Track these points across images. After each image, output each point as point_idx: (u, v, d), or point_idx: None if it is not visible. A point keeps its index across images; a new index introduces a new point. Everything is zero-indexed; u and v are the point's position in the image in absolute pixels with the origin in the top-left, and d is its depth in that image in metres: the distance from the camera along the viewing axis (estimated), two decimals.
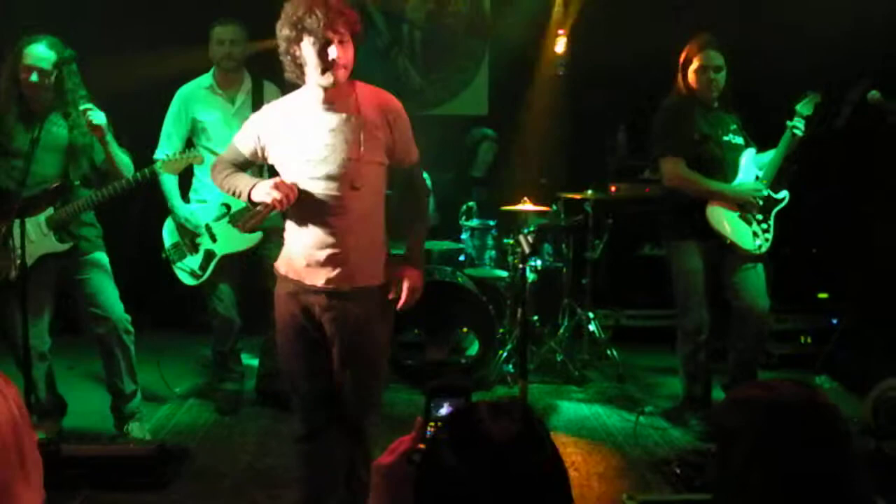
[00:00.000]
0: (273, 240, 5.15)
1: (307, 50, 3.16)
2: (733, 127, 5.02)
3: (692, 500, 3.58)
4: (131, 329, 4.74)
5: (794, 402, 1.66)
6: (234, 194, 3.39)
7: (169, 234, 5.20)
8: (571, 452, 4.74)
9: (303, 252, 3.35)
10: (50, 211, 4.51)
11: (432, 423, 1.64)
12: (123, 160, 4.57)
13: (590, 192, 6.23)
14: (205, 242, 5.10)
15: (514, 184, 6.59)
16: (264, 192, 3.24)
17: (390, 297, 3.38)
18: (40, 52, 4.41)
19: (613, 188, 6.84)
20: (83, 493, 3.99)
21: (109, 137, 4.46)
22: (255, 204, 3.31)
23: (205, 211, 5.15)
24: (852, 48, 5.87)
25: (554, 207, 6.33)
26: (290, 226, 3.42)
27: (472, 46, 7.55)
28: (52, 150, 4.49)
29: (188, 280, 5.16)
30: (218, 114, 5.22)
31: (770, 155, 4.96)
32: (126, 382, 4.76)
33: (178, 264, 5.15)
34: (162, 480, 4.17)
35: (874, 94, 4.94)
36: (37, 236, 4.47)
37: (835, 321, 6.31)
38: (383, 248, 3.43)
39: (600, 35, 7.00)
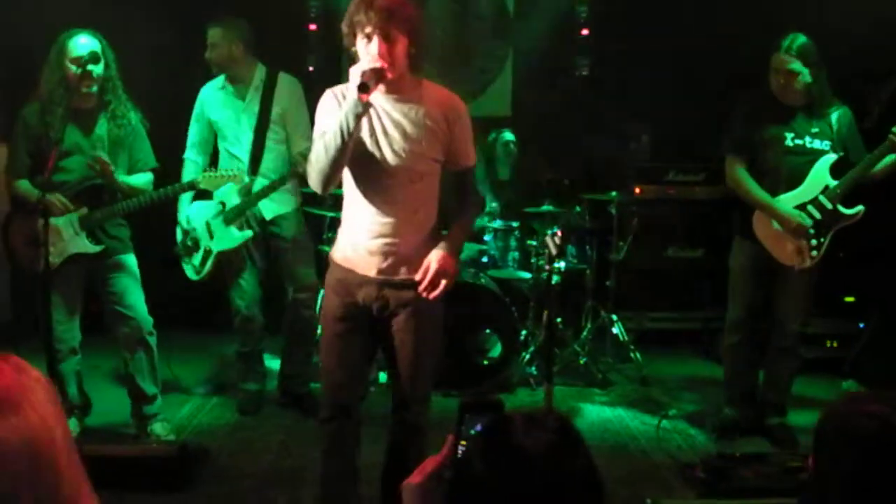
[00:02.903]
0: (288, 220, 5.23)
1: (360, 45, 3.22)
2: (814, 130, 4.68)
3: None
4: (154, 331, 4.76)
5: None
6: (343, 129, 3.17)
7: (180, 230, 5.21)
8: (594, 456, 4.68)
9: (357, 241, 3.40)
10: (84, 211, 4.53)
11: (464, 442, 1.59)
12: (140, 185, 4.66)
13: (614, 193, 6.20)
14: (204, 240, 5.09)
15: (538, 185, 6.55)
16: (353, 89, 3.13)
17: (416, 278, 3.34)
18: (86, 43, 4.44)
19: (638, 189, 6.79)
20: (105, 493, 3.99)
21: (121, 177, 4.56)
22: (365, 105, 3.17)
23: (207, 208, 5.13)
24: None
25: (578, 209, 6.29)
26: (346, 214, 3.48)
27: (495, 47, 7.52)
28: (99, 147, 4.55)
29: (192, 275, 5.16)
30: (229, 112, 5.20)
31: (862, 161, 4.64)
32: (147, 384, 4.77)
33: (186, 259, 5.16)
34: (183, 481, 4.18)
35: None
36: (68, 235, 4.50)
37: (862, 325, 6.24)
38: (434, 241, 3.42)
39: (624, 35, 6.96)
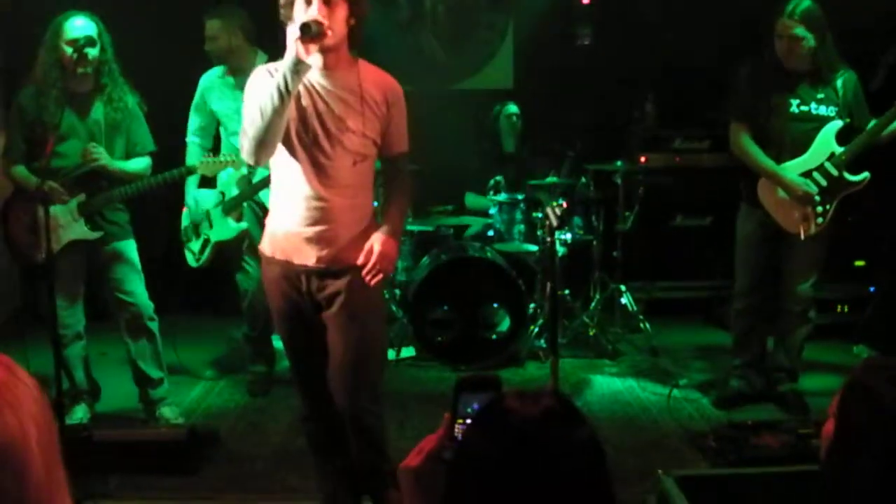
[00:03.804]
0: None
1: (298, 9, 3.04)
2: (820, 96, 4.61)
3: (728, 475, 3.51)
4: (155, 316, 4.75)
5: None
6: (281, 87, 2.99)
7: (185, 215, 5.19)
8: (605, 427, 4.69)
9: (291, 229, 3.23)
10: (82, 197, 4.50)
11: (461, 420, 1.56)
12: (136, 170, 4.62)
13: (619, 163, 6.15)
14: (204, 228, 5.07)
15: (542, 157, 6.51)
16: (291, 45, 2.97)
17: (358, 262, 3.18)
18: (82, 25, 4.39)
19: (643, 158, 6.73)
20: (115, 477, 4.01)
21: (116, 163, 4.52)
22: (300, 65, 3.00)
23: (208, 197, 5.11)
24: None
25: (583, 179, 6.24)
26: (276, 201, 3.31)
27: (496, 18, 7.43)
28: (95, 131, 4.51)
29: (191, 261, 5.14)
30: (229, 102, 5.11)
31: (869, 127, 4.58)
32: (152, 368, 4.76)
33: (188, 245, 5.14)
34: (193, 464, 4.18)
35: None
36: (66, 221, 4.48)
37: (872, 289, 6.20)
38: (373, 227, 3.28)
39: (625, 2, 6.89)
